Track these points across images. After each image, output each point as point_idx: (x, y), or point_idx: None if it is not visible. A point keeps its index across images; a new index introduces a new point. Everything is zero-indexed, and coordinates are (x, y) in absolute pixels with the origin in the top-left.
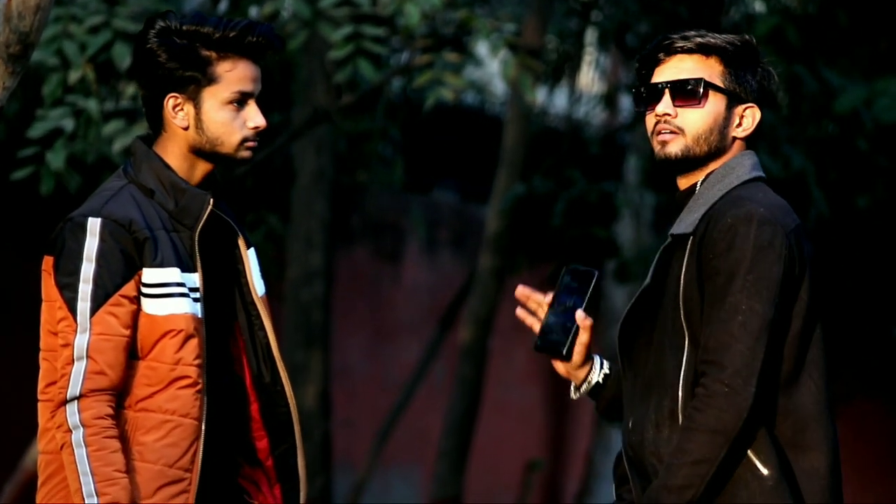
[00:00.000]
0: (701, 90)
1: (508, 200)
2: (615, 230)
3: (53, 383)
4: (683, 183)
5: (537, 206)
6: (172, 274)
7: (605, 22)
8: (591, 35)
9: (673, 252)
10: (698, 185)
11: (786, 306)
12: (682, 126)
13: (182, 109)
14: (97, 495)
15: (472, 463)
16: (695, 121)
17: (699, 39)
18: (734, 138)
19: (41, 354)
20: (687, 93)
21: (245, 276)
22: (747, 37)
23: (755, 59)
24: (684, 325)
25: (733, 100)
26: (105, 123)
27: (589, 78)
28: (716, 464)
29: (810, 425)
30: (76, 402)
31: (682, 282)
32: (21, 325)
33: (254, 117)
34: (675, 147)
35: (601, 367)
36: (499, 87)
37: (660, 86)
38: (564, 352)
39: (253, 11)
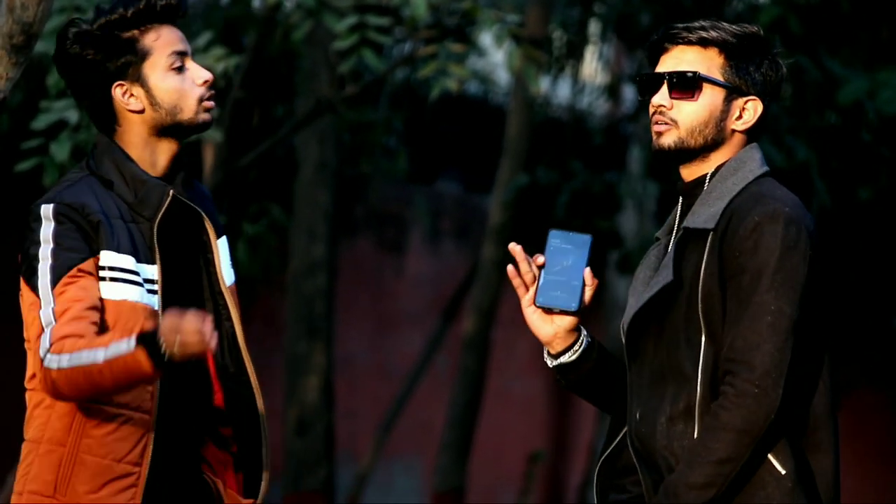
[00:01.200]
0: (696, 83)
1: (512, 191)
2: (618, 221)
3: (34, 374)
4: (687, 174)
5: (540, 197)
6: (127, 261)
7: (608, 12)
8: (594, 25)
9: (687, 245)
10: (707, 177)
11: (808, 306)
12: (675, 118)
13: (132, 94)
14: (98, 349)
15: (475, 454)
16: (689, 113)
17: (701, 32)
18: (734, 131)
19: (25, 345)
20: (682, 85)
21: (213, 265)
22: (755, 28)
23: (762, 51)
24: (702, 320)
25: (733, 92)
26: None
27: (592, 68)
28: (740, 463)
29: (822, 424)
30: (49, 352)
31: (701, 277)
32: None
33: (199, 73)
34: (668, 139)
35: (585, 342)
36: (502, 77)
37: (657, 76)
38: (576, 307)
39: (256, 2)
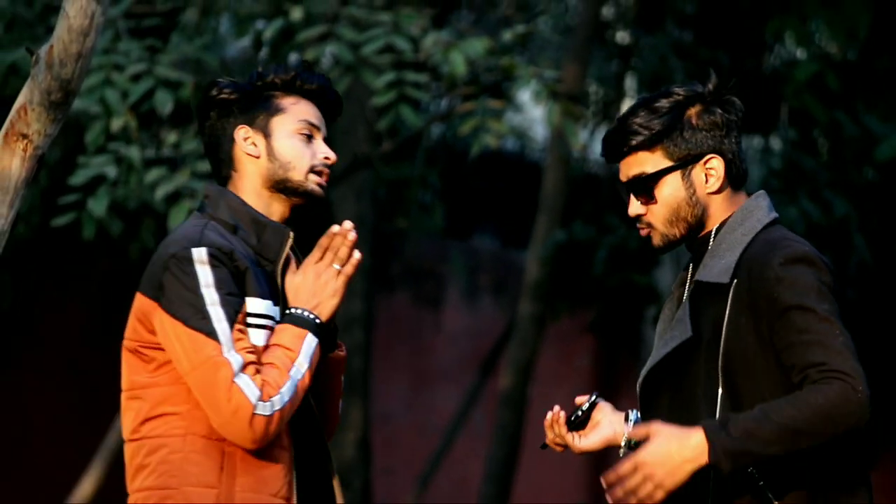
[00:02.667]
0: (649, 183)
1: (549, 247)
2: (655, 276)
3: (152, 419)
4: (693, 236)
5: (577, 253)
6: (267, 306)
7: (644, 67)
8: (630, 80)
9: (701, 299)
10: (713, 233)
11: None
12: (650, 221)
13: (253, 142)
14: (296, 363)
15: None
16: (659, 213)
17: (631, 141)
18: (711, 194)
19: (128, 394)
20: (640, 190)
21: None
22: (678, 91)
23: (687, 109)
24: (720, 376)
25: (687, 165)
26: (147, 170)
27: None
28: (813, 441)
29: (859, 483)
30: (260, 401)
31: (723, 333)
32: (62, 367)
33: (324, 150)
34: (655, 241)
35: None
36: (538, 132)
37: (624, 187)
38: (572, 419)
39: (293, 58)
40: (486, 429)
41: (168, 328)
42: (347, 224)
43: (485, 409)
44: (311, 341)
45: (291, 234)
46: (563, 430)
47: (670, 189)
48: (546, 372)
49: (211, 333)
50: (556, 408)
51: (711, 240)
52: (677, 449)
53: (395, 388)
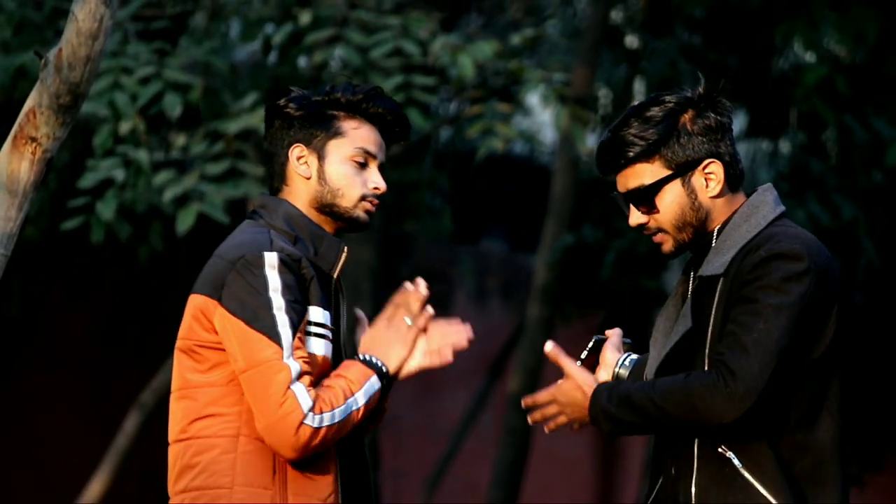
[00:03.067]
0: (650, 194)
1: (557, 251)
2: (664, 280)
3: (203, 418)
4: (699, 238)
5: (586, 256)
6: (326, 316)
7: (653, 70)
8: (639, 84)
9: (703, 293)
10: (716, 231)
11: (807, 342)
12: (660, 227)
13: (306, 162)
14: (356, 396)
15: None
16: (664, 220)
17: (628, 152)
18: (714, 198)
19: (178, 394)
20: (641, 201)
21: (342, 332)
22: (669, 98)
23: (682, 115)
24: (707, 366)
25: (686, 171)
26: (155, 173)
27: None
28: (663, 424)
29: (828, 461)
30: (311, 411)
31: (711, 321)
32: (71, 370)
33: (376, 179)
34: (667, 246)
35: (629, 358)
36: (547, 136)
37: (622, 198)
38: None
39: (302, 62)
40: (495, 432)
41: (228, 327)
42: (420, 282)
43: (493, 412)
44: (374, 382)
45: (346, 248)
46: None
47: (672, 197)
48: (554, 375)
49: (274, 337)
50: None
51: (714, 239)
52: (581, 398)
53: (404, 391)
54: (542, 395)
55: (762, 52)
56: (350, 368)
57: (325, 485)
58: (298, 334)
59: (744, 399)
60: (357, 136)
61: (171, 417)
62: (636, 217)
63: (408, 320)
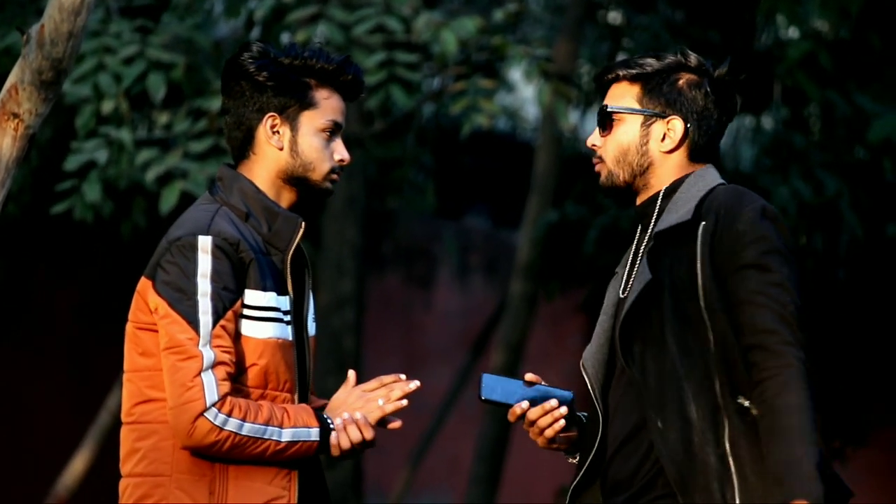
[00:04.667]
0: (609, 116)
1: (540, 227)
2: None
3: (144, 402)
4: (638, 202)
5: (569, 233)
6: (270, 298)
7: (636, 47)
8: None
9: (664, 249)
10: (661, 194)
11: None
12: (602, 154)
13: (279, 131)
14: (283, 429)
15: (504, 489)
16: (608, 148)
17: (619, 70)
18: (664, 153)
19: (125, 376)
20: (601, 121)
21: (304, 312)
22: (690, 56)
23: (682, 73)
24: (706, 317)
25: (651, 117)
26: (138, 151)
27: None
28: (815, 432)
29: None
30: (215, 406)
31: (699, 274)
32: (55, 348)
33: (341, 150)
34: (601, 175)
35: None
36: (530, 112)
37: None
38: (513, 402)
39: (285, 37)
40: (478, 408)
41: (157, 306)
42: (415, 383)
43: (476, 389)
44: (310, 433)
45: (303, 224)
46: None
47: (627, 129)
48: (537, 351)
49: (193, 323)
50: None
51: (660, 200)
52: None
53: (387, 368)
54: None
55: (745, 28)
56: (300, 408)
57: (270, 467)
58: (222, 322)
59: (808, 359)
60: (328, 106)
61: (122, 398)
62: (593, 137)
63: (381, 402)
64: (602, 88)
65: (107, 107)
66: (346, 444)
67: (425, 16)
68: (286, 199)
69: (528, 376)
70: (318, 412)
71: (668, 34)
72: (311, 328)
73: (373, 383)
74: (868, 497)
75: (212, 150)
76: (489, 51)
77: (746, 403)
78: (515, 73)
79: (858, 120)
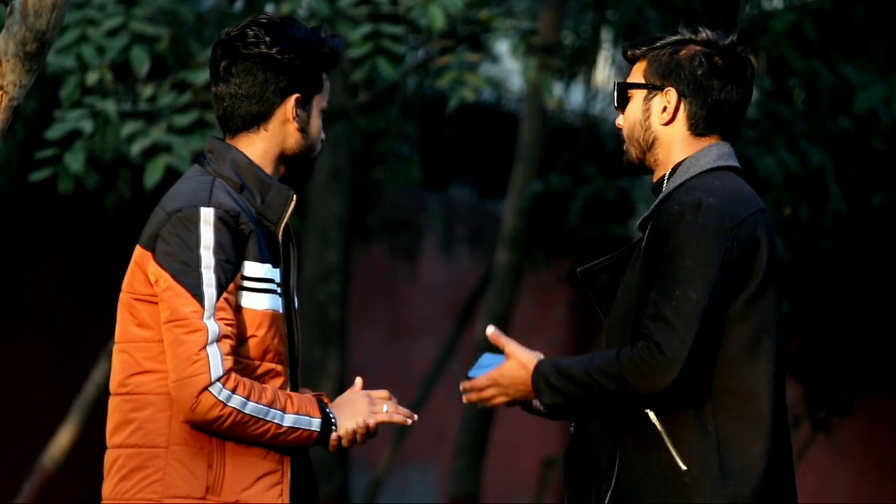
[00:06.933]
0: (621, 94)
1: (526, 198)
2: (632, 227)
3: (139, 373)
4: (654, 177)
5: (554, 203)
6: (267, 269)
7: (620, 19)
8: (606, 31)
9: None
10: (665, 177)
11: (729, 293)
12: (623, 133)
13: (298, 112)
14: (285, 413)
15: (490, 460)
16: (624, 126)
17: (632, 49)
18: (665, 127)
19: (118, 347)
20: (617, 100)
21: (292, 283)
22: (703, 30)
23: (682, 46)
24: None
25: (652, 90)
26: (122, 123)
27: (605, 74)
28: (602, 397)
29: (756, 405)
30: (220, 381)
31: (638, 272)
32: (40, 320)
33: (321, 126)
34: (625, 155)
35: None
36: (515, 83)
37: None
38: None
39: (269, 8)
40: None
41: (158, 278)
42: (414, 417)
43: (462, 360)
44: (312, 422)
45: (295, 196)
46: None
47: (633, 106)
48: (523, 322)
49: (197, 295)
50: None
51: (664, 184)
52: (525, 375)
53: (372, 339)
54: (481, 380)
55: None
56: (304, 397)
57: (272, 453)
58: (225, 294)
59: (671, 369)
60: (327, 89)
61: (112, 369)
62: (618, 118)
63: (386, 407)
64: (629, 60)
65: (91, 78)
66: (346, 444)
67: None
68: (278, 172)
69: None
70: (322, 404)
71: (651, 5)
72: (296, 301)
73: (382, 392)
74: (854, 466)
75: (196, 123)
76: (476, 24)
77: (652, 416)
78: (501, 45)
79: (843, 91)
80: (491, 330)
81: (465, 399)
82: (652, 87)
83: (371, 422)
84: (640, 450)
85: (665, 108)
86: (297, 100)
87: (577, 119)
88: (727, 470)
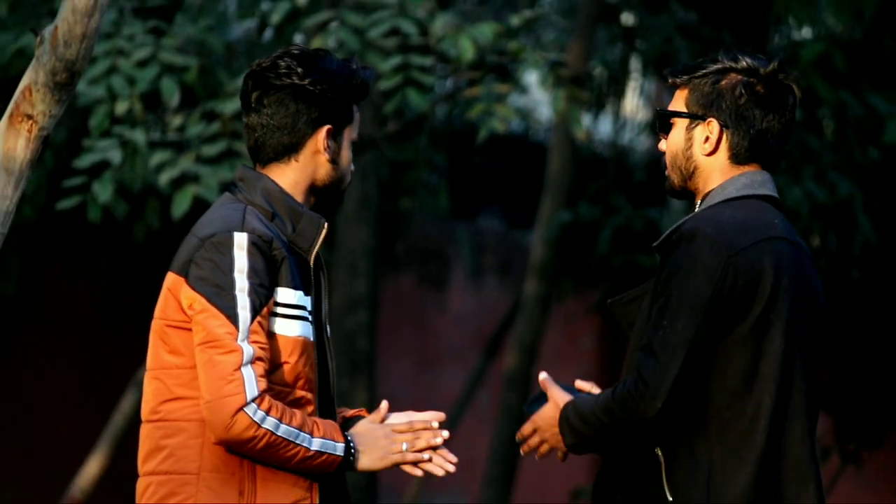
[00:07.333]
0: (663, 122)
1: (554, 228)
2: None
3: (171, 400)
4: (695, 204)
5: (583, 233)
6: (299, 296)
7: (648, 49)
8: (635, 61)
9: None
10: (697, 206)
11: (724, 323)
12: (665, 159)
13: (329, 143)
14: (313, 437)
15: (518, 491)
16: (666, 153)
17: (674, 76)
18: (708, 157)
19: (150, 374)
20: (659, 124)
21: (324, 312)
22: (744, 58)
23: (724, 76)
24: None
25: (694, 120)
26: (151, 153)
27: (633, 104)
28: (613, 434)
29: (753, 434)
30: (255, 402)
31: (649, 301)
32: (68, 349)
33: (351, 160)
34: (666, 181)
35: None
36: (543, 113)
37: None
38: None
39: (299, 39)
40: (492, 409)
41: (192, 302)
42: (442, 435)
43: (490, 390)
44: (337, 448)
45: (326, 224)
46: None
47: (675, 134)
48: (551, 352)
49: (232, 317)
50: None
51: (697, 208)
52: (556, 417)
53: (401, 369)
54: (526, 428)
55: (758, 29)
56: (328, 422)
57: (301, 479)
58: (259, 318)
59: (655, 399)
60: (357, 120)
61: (144, 396)
62: (661, 143)
63: (405, 446)
64: (671, 86)
65: (120, 108)
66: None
67: (441, 19)
68: (308, 203)
69: (542, 378)
70: (345, 433)
71: (680, 35)
72: (328, 329)
73: (403, 424)
74: (885, 498)
75: (225, 153)
76: (505, 55)
77: (659, 453)
78: (529, 76)
79: (872, 121)
80: (543, 376)
81: (522, 451)
82: (694, 117)
83: (379, 466)
84: (642, 482)
85: (707, 139)
86: (328, 131)
87: (606, 149)
88: (713, 500)
